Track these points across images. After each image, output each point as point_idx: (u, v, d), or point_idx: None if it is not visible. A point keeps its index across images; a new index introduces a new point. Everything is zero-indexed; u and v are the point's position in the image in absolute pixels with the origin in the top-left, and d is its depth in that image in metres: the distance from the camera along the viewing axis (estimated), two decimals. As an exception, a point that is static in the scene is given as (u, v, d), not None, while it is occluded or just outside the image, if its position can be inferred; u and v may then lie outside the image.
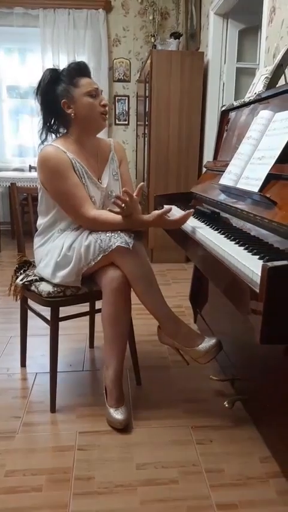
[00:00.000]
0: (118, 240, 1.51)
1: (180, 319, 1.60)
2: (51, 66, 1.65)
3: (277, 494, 1.26)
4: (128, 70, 4.84)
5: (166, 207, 1.61)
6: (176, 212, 1.60)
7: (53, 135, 1.71)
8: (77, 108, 1.60)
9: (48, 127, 1.69)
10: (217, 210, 1.68)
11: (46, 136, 1.69)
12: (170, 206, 1.55)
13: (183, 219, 1.57)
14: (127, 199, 1.48)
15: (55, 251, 1.59)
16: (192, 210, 1.59)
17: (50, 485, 1.28)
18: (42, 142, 1.68)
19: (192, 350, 1.54)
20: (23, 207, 4.11)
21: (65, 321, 1.66)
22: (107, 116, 1.65)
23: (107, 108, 1.64)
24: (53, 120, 1.69)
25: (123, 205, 1.49)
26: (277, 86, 1.75)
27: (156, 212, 1.56)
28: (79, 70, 1.61)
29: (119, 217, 1.55)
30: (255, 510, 1.20)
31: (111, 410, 1.55)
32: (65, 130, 1.69)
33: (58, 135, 1.71)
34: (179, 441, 1.48)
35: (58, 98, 1.60)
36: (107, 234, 1.53)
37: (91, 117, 1.61)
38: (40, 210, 1.70)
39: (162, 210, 1.55)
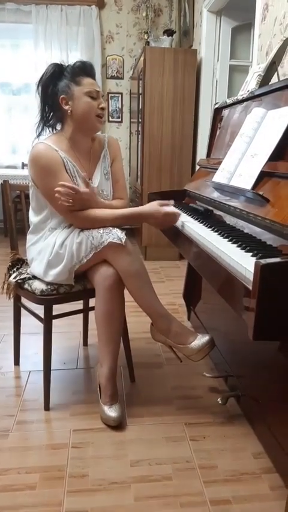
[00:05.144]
0: (110, 236, 1.51)
1: (173, 317, 1.60)
2: (46, 62, 1.65)
3: (270, 489, 1.27)
4: (121, 67, 4.82)
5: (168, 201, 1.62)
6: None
7: (49, 130, 1.70)
8: (74, 106, 1.59)
9: (45, 121, 1.68)
10: (210, 208, 1.68)
11: (42, 130, 1.68)
12: (172, 200, 1.56)
13: (173, 217, 1.58)
14: (74, 193, 1.49)
15: (47, 249, 1.59)
16: (178, 211, 1.60)
17: (44, 483, 1.28)
18: (38, 135, 1.67)
19: (185, 348, 1.54)
20: (16, 205, 4.09)
21: (58, 318, 1.65)
22: (102, 120, 1.65)
23: (104, 112, 1.63)
24: (50, 115, 1.68)
25: (69, 199, 1.51)
26: (270, 83, 1.75)
27: (156, 201, 1.58)
28: (84, 69, 1.61)
29: (110, 215, 1.55)
30: (248, 505, 1.21)
31: (105, 408, 1.55)
32: (60, 127, 1.69)
33: (54, 131, 1.70)
34: (172, 438, 1.49)
35: (58, 92, 1.60)
36: (99, 231, 1.53)
37: (87, 117, 1.60)
38: (32, 207, 1.69)
39: (163, 201, 1.56)
